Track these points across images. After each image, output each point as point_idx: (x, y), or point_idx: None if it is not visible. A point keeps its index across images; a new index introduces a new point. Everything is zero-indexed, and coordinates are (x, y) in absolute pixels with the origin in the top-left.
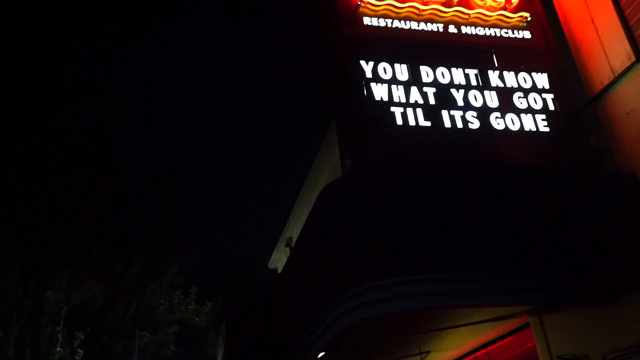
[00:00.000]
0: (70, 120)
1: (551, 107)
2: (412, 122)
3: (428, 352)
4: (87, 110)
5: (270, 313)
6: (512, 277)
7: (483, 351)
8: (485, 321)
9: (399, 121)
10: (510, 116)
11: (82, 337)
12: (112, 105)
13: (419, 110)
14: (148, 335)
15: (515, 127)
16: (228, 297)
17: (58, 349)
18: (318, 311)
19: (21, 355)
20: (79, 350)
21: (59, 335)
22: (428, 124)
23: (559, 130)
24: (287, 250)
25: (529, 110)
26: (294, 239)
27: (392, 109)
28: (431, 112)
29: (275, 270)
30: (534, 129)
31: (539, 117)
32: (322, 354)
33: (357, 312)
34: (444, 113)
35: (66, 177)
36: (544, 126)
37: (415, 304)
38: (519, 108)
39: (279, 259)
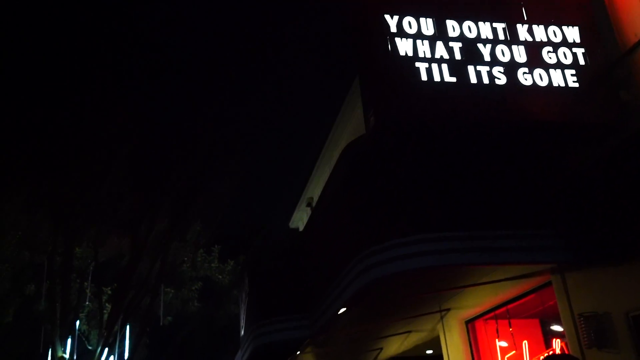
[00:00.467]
0: (99, 75)
1: (581, 61)
2: (437, 78)
3: (448, 309)
4: (119, 65)
5: (292, 270)
6: (536, 235)
7: (503, 309)
8: (507, 279)
9: (424, 77)
10: (538, 71)
11: (110, 292)
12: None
13: (445, 66)
14: (172, 291)
15: (543, 83)
16: (250, 255)
17: (87, 303)
18: (340, 268)
19: (52, 309)
20: (106, 304)
21: (88, 291)
22: (453, 79)
23: (589, 86)
24: (308, 210)
25: (558, 65)
26: (315, 199)
27: (417, 64)
28: (457, 68)
29: (296, 229)
30: (562, 84)
31: (568, 72)
32: (343, 309)
33: (379, 268)
34: (470, 68)
35: (96, 134)
36: (573, 82)
37: (438, 261)
38: (547, 63)
39: (299, 219)
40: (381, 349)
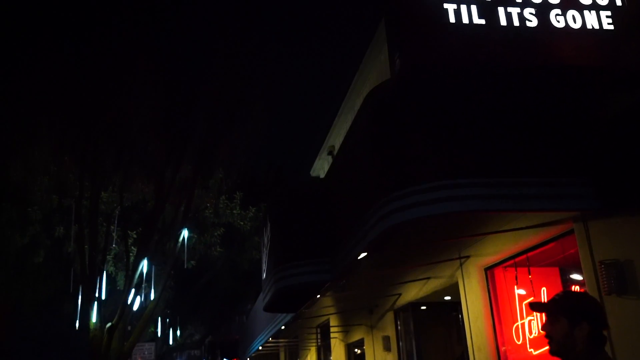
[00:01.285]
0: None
1: (618, 2)
2: (465, 20)
3: (468, 256)
4: (146, 9)
5: (313, 216)
6: (561, 182)
7: (523, 257)
8: (529, 227)
9: (452, 19)
10: (571, 13)
11: (135, 236)
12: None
13: (474, 7)
14: (196, 236)
15: (576, 25)
16: (272, 200)
17: (113, 245)
18: (361, 213)
19: (81, 251)
20: (132, 247)
21: (114, 234)
22: (482, 21)
23: (624, 29)
24: (329, 158)
25: (593, 6)
26: (337, 147)
27: (445, 5)
28: (486, 9)
29: (317, 178)
30: (597, 26)
31: (603, 13)
32: (363, 254)
33: (401, 214)
34: (500, 10)
35: (122, 81)
36: (608, 24)
37: (460, 207)
38: (582, 4)
39: (320, 167)
40: (400, 294)
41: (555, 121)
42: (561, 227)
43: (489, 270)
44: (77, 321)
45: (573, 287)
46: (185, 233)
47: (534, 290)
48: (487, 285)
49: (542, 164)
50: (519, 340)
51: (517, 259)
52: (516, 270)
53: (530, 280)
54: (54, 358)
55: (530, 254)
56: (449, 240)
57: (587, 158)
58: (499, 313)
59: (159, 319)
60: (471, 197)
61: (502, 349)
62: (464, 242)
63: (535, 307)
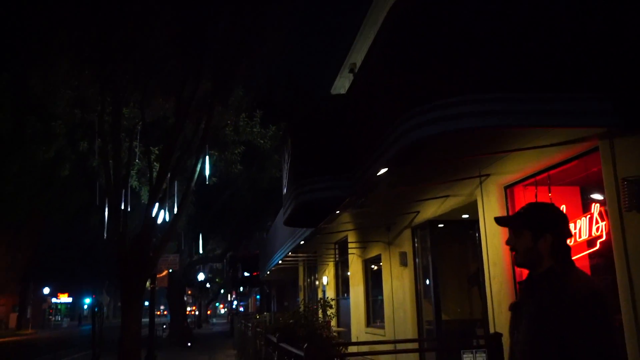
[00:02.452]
0: None
1: None
2: None
3: (488, 174)
4: None
5: (334, 131)
6: (587, 98)
7: (545, 175)
8: (552, 145)
9: None
10: None
11: (157, 152)
12: None
13: None
14: (216, 154)
15: None
16: (293, 116)
17: (136, 161)
18: (382, 129)
19: (105, 165)
20: (155, 163)
21: (137, 150)
22: None
23: None
24: (350, 76)
25: None
26: (358, 65)
27: None
28: None
29: (339, 94)
30: None
31: None
32: (383, 170)
33: (422, 129)
34: None
35: None
36: None
37: (483, 122)
38: None
39: (341, 86)
40: (418, 212)
41: (581, 36)
42: (586, 144)
43: (508, 188)
44: (105, 232)
45: (593, 204)
46: (206, 150)
47: None
48: (506, 204)
49: (568, 79)
50: None
51: (538, 177)
52: (536, 189)
53: (550, 199)
54: (83, 268)
55: (551, 172)
56: (469, 157)
57: (615, 75)
58: None
59: (182, 233)
60: (494, 112)
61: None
62: (484, 159)
63: (499, 220)
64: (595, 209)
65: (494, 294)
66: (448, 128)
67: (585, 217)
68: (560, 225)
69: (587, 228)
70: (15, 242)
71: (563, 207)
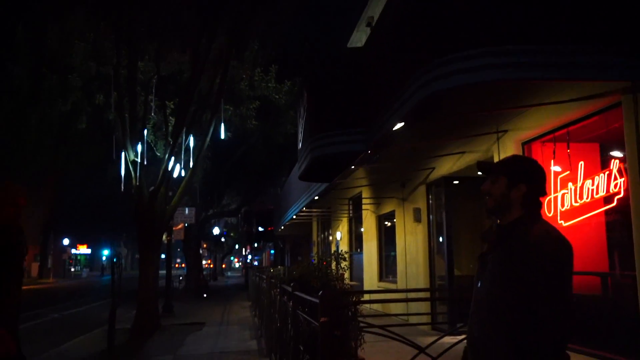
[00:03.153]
0: None
1: None
2: None
3: (506, 130)
4: None
5: (350, 86)
6: (611, 51)
7: (564, 131)
8: (574, 100)
9: None
10: None
11: (172, 106)
12: None
13: None
14: (232, 108)
15: None
16: (309, 70)
17: (152, 114)
18: (400, 83)
19: (121, 118)
20: (170, 118)
21: (152, 103)
22: None
23: None
24: (368, 30)
25: None
26: (376, 18)
27: None
28: None
29: (355, 48)
30: None
31: None
32: (399, 125)
33: (440, 82)
34: None
35: None
36: None
37: (503, 74)
38: None
39: (358, 40)
40: (433, 168)
41: None
42: (607, 99)
43: (526, 144)
44: (122, 185)
45: (612, 160)
46: (221, 105)
47: (571, 165)
48: None
49: (589, 31)
50: (550, 212)
51: (556, 134)
52: (554, 145)
53: (569, 155)
54: (102, 220)
55: (571, 128)
56: (488, 112)
57: (637, 26)
58: None
59: (198, 187)
60: (517, 65)
61: None
62: (503, 115)
63: (481, 166)
64: (615, 165)
65: None
66: (468, 81)
67: (604, 173)
68: (536, 179)
69: (604, 184)
70: (36, 194)
71: (581, 164)
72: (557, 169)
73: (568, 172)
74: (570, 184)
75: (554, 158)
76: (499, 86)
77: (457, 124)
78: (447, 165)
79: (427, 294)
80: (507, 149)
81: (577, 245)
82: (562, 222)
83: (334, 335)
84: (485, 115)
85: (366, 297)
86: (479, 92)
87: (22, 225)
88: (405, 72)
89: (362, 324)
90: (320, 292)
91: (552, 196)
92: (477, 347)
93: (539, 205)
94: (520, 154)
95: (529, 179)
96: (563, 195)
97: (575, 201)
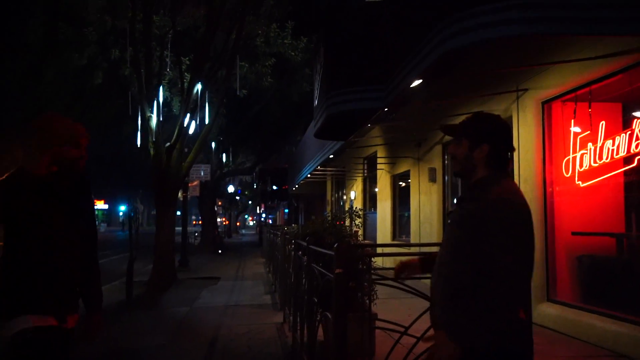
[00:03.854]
0: None
1: None
2: None
3: (526, 89)
4: None
5: (368, 42)
6: (638, 5)
7: (586, 90)
8: (598, 57)
9: None
10: None
11: (188, 62)
12: None
13: None
14: (247, 65)
15: None
16: (326, 25)
17: (168, 70)
18: (419, 38)
19: (137, 73)
20: (186, 74)
21: (168, 59)
22: None
23: None
24: None
25: None
26: None
27: None
28: None
29: (374, 2)
30: None
31: None
32: (418, 82)
33: (462, 36)
34: None
35: None
36: None
37: (527, 29)
38: None
39: None
40: None
41: None
42: (633, 57)
43: (546, 104)
44: (138, 141)
45: (635, 120)
46: (237, 61)
47: (591, 126)
48: (543, 120)
49: None
50: (567, 173)
51: (578, 92)
52: (575, 105)
53: (590, 115)
54: (118, 176)
55: (593, 87)
56: (509, 70)
57: None
58: (550, 147)
59: (213, 145)
60: (538, 19)
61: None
62: (523, 73)
63: (444, 128)
64: (637, 125)
65: None
66: (491, 35)
67: (625, 133)
68: (498, 136)
69: (625, 145)
70: None
71: (602, 124)
72: (577, 129)
73: (588, 132)
74: (589, 145)
75: (574, 118)
76: (522, 42)
77: (476, 82)
78: None
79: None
80: (526, 108)
81: (593, 206)
82: (580, 182)
83: (349, 287)
84: (506, 73)
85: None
86: (501, 48)
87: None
88: (425, 27)
89: (375, 277)
90: (336, 244)
91: (570, 157)
92: (431, 295)
93: (505, 163)
94: (540, 113)
95: (491, 138)
96: (582, 155)
97: (595, 162)
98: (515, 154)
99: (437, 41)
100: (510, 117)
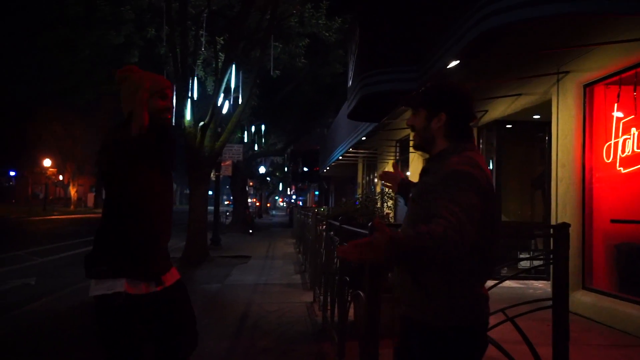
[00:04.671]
0: None
1: None
2: None
3: (567, 72)
4: None
5: (404, 22)
6: None
7: (631, 72)
8: None
9: None
10: None
11: (222, 42)
12: None
13: None
14: (280, 45)
15: None
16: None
17: (202, 49)
18: (457, 17)
19: (173, 52)
20: (220, 53)
21: (202, 39)
22: None
23: None
24: None
25: None
26: None
27: None
28: None
29: None
30: None
31: None
32: (454, 63)
33: (502, 15)
34: None
35: None
36: None
37: (574, 7)
38: None
39: None
40: (486, 111)
41: None
42: None
43: (588, 87)
44: (172, 120)
45: None
46: (271, 41)
47: (636, 110)
48: (584, 103)
49: None
50: (608, 158)
51: (623, 75)
52: (620, 88)
53: (634, 98)
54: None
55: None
56: (549, 51)
57: None
58: (591, 132)
59: (245, 125)
60: None
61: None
62: (565, 55)
63: (403, 101)
64: None
65: (560, 196)
66: (532, 15)
67: None
68: (456, 105)
69: None
70: (91, 126)
71: None
72: (620, 114)
73: (632, 116)
74: (633, 130)
75: (617, 102)
76: (565, 22)
77: (515, 63)
78: (500, 108)
79: None
80: (567, 91)
81: (635, 194)
82: (621, 169)
83: (380, 265)
84: (546, 55)
85: None
86: (543, 28)
87: (84, 154)
88: (463, 5)
89: None
90: (370, 223)
91: (612, 142)
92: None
93: (467, 134)
94: (581, 97)
95: (448, 106)
96: (625, 140)
97: (638, 147)
98: (554, 139)
99: (476, 19)
100: (550, 101)
